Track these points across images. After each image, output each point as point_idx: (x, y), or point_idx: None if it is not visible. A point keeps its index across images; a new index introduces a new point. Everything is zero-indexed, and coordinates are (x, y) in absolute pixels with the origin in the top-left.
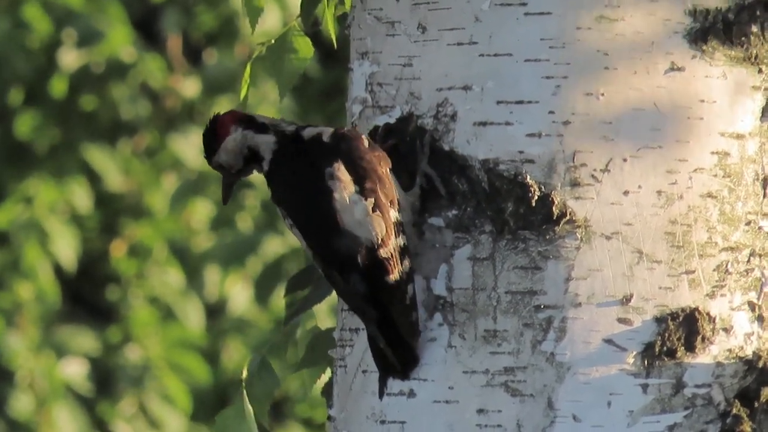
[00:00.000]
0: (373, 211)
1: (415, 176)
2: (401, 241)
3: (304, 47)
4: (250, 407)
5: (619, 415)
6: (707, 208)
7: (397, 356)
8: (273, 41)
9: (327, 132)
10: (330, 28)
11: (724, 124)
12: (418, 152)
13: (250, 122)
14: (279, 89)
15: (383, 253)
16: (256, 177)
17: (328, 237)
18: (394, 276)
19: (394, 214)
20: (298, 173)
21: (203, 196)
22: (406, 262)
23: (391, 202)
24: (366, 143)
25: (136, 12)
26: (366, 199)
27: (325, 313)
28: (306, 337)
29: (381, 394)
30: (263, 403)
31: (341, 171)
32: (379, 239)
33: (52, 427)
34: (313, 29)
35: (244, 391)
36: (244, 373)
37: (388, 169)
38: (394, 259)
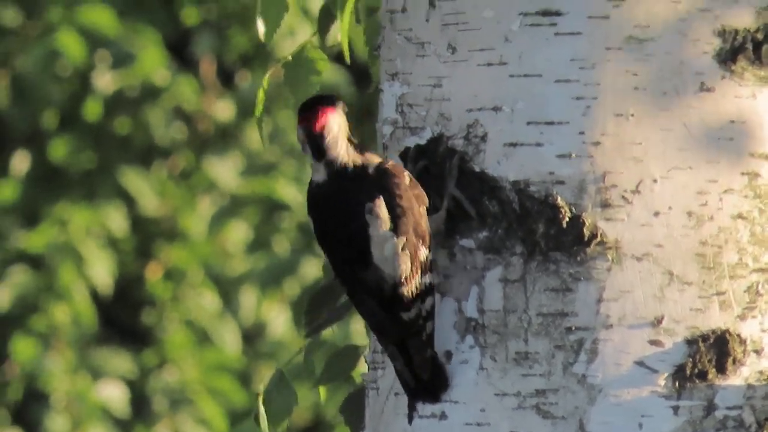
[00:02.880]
0: (403, 249)
1: (443, 199)
2: (428, 279)
3: (320, 62)
4: (266, 422)
5: None
6: (738, 229)
7: (425, 379)
8: (290, 58)
9: (372, 164)
10: (344, 43)
11: (754, 144)
12: (446, 175)
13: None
14: (295, 105)
15: (404, 290)
16: (293, 199)
17: (356, 267)
18: (411, 314)
19: (424, 253)
20: (339, 201)
21: (239, 219)
22: (430, 300)
23: (423, 240)
24: (407, 180)
25: (170, 34)
26: (398, 237)
27: (362, 334)
28: (326, 355)
29: (410, 419)
30: (281, 418)
31: (380, 207)
32: (403, 278)
33: None
34: (332, 47)
35: (261, 407)
36: (261, 388)
37: (424, 208)
38: (415, 297)
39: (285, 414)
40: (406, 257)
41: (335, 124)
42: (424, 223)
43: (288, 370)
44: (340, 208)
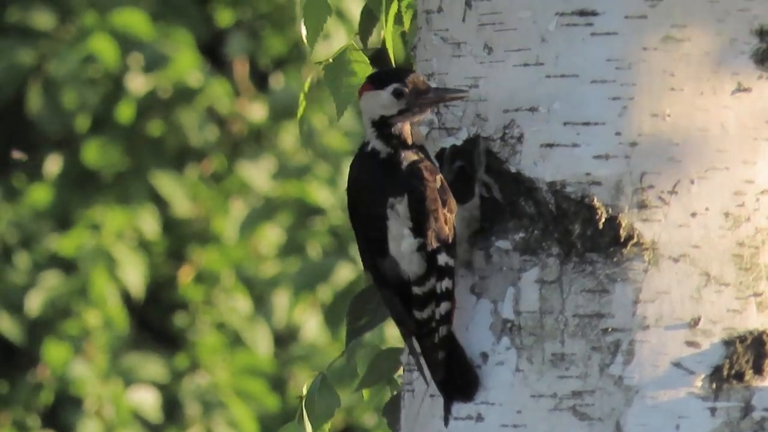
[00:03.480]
0: (418, 250)
1: (473, 187)
2: (446, 284)
3: (362, 65)
4: (309, 425)
5: None
6: None
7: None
8: (331, 60)
9: (407, 159)
10: (389, 47)
11: None
12: (475, 162)
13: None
14: (336, 108)
15: (417, 291)
16: (326, 201)
17: (377, 256)
18: (424, 314)
19: (444, 258)
20: (368, 186)
21: (272, 222)
22: (445, 306)
23: (445, 246)
24: (437, 184)
25: (203, 36)
26: (415, 237)
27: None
28: (367, 358)
29: (446, 422)
30: (322, 421)
31: (402, 205)
32: (415, 278)
33: None
34: (372, 49)
35: (304, 409)
36: (304, 391)
37: (452, 216)
38: (428, 299)
39: (327, 417)
40: (421, 259)
41: (365, 105)
42: (449, 230)
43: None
44: (368, 191)
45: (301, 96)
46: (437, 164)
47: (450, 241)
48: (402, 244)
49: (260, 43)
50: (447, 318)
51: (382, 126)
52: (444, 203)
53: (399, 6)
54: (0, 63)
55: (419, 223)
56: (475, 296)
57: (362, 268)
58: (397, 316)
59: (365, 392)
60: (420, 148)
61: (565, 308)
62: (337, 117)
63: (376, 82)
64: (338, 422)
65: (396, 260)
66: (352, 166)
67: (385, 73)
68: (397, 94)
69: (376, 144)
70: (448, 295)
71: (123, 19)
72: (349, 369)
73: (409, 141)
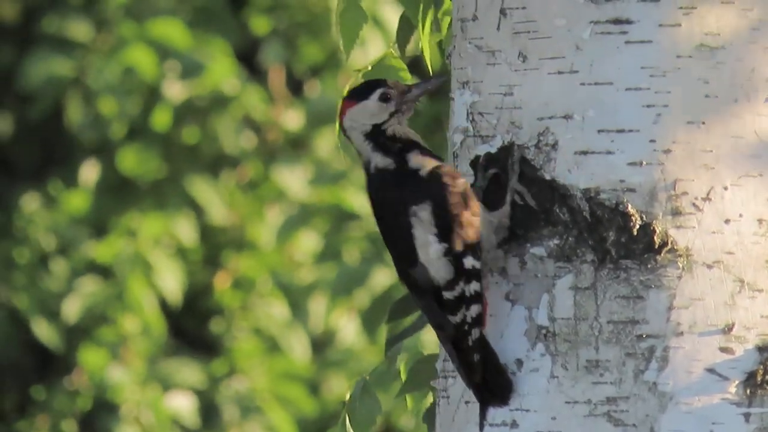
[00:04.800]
0: (445, 254)
1: (506, 194)
2: (474, 287)
3: (401, 73)
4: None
5: None
6: None
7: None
8: (370, 68)
9: (427, 167)
10: (426, 56)
11: None
12: (509, 170)
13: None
14: None
15: (448, 295)
16: (362, 208)
17: (408, 266)
18: (456, 318)
19: (471, 261)
20: (388, 200)
21: (308, 228)
22: (476, 308)
23: (471, 249)
24: (460, 187)
25: (239, 44)
26: (441, 242)
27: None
28: (409, 363)
29: (481, 428)
30: (365, 427)
31: (425, 211)
32: (445, 282)
33: None
34: (410, 57)
35: (346, 415)
36: (347, 397)
37: (477, 219)
38: (458, 303)
39: (369, 422)
40: (448, 264)
41: (352, 122)
42: (474, 233)
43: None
44: (390, 205)
45: (340, 102)
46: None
47: (476, 244)
48: (429, 250)
49: (296, 50)
50: (479, 320)
51: (377, 136)
52: (467, 206)
53: (435, 14)
54: (38, 74)
55: (444, 228)
56: (509, 303)
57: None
58: (436, 322)
59: (408, 398)
60: (418, 145)
61: (600, 315)
62: None
63: (357, 95)
64: (377, 425)
65: (426, 267)
66: (368, 192)
67: (363, 86)
68: (385, 98)
69: (377, 160)
70: (478, 297)
71: (160, 29)
72: (389, 374)
73: (411, 138)
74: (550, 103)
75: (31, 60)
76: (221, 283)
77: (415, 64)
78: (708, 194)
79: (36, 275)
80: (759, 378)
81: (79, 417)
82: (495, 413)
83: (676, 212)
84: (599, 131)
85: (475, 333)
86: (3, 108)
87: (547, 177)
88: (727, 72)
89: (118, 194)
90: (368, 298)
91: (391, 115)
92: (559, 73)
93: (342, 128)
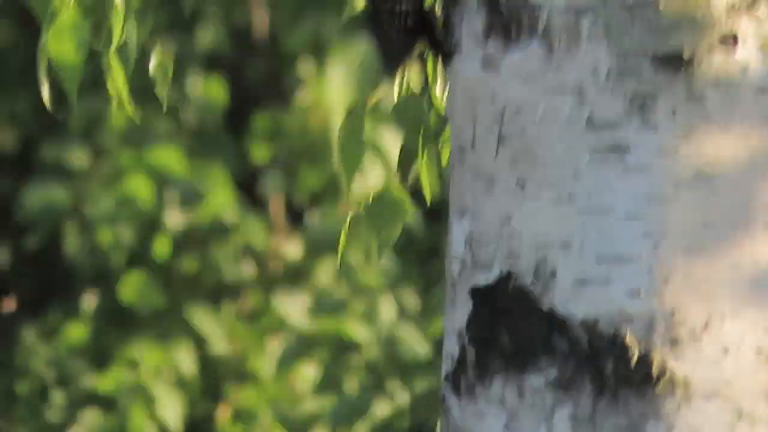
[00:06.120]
0: None
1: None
2: None
3: (404, 204)
4: None
5: None
6: None
7: None
8: (371, 199)
9: None
10: (425, 187)
11: None
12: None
13: None
14: (378, 248)
15: None
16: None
17: None
18: None
19: None
20: None
21: (308, 358)
22: None
23: None
24: None
25: (239, 173)
26: None
27: None
28: None
29: None
30: None
31: None
32: None
33: None
34: (412, 186)
35: None
36: None
37: None
38: None
39: None
40: None
41: None
42: None
43: None
44: None
45: (342, 235)
46: None
47: None
48: None
49: (295, 179)
50: None
51: None
52: None
53: (436, 145)
54: (36, 203)
55: None
56: None
57: (399, 404)
58: None
59: None
60: None
61: None
62: (378, 256)
63: None
64: None
65: None
66: None
67: None
68: None
69: None
70: None
71: (158, 157)
72: None
73: None
74: (549, 232)
75: (30, 189)
76: (223, 414)
77: (419, 192)
78: (706, 324)
79: (36, 407)
80: None
81: None
82: None
83: (674, 342)
84: (598, 260)
85: None
86: (2, 238)
87: (545, 308)
88: (726, 200)
89: (119, 324)
90: (370, 429)
91: None
92: (558, 201)
93: None
